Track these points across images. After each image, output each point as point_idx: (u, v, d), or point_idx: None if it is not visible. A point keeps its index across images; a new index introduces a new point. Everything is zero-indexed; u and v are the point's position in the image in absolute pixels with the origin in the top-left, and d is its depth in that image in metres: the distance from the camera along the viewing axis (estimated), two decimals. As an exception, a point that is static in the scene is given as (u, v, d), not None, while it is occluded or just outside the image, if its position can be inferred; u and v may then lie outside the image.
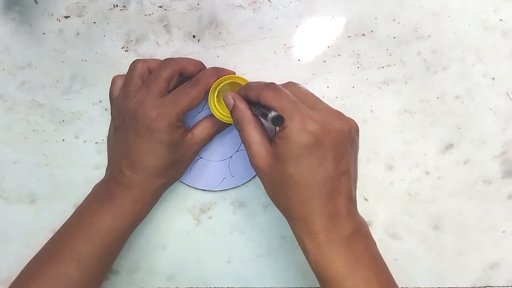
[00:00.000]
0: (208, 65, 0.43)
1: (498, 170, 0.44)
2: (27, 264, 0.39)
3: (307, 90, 0.37)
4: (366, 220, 0.37)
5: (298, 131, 0.32)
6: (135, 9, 0.43)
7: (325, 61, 0.43)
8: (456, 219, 0.44)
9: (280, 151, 0.33)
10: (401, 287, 0.44)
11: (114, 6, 0.43)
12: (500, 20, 0.43)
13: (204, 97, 0.39)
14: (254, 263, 0.45)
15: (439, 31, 0.43)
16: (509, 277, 0.45)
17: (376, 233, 0.44)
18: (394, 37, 0.43)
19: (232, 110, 0.36)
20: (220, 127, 0.42)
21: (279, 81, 0.43)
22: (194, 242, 0.45)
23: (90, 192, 0.40)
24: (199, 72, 0.40)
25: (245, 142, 0.35)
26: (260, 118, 0.36)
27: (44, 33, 0.44)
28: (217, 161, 0.43)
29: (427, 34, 0.43)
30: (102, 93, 0.44)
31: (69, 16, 0.43)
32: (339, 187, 0.33)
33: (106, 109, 0.44)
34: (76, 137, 0.44)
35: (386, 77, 0.44)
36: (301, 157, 0.32)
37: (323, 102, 0.36)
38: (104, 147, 0.44)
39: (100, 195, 0.39)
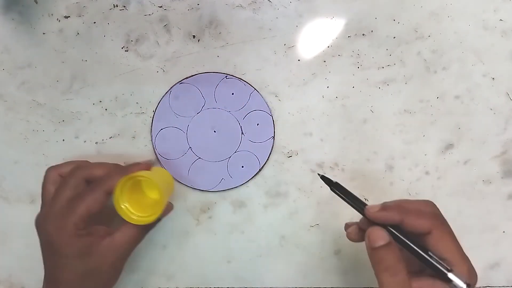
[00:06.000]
0: (208, 66, 0.43)
1: (498, 170, 0.44)
2: None
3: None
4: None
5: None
6: (135, 9, 0.43)
7: (325, 61, 0.43)
8: (456, 219, 0.44)
9: None
10: (401, 287, 0.44)
11: (114, 6, 0.43)
12: (500, 20, 0.43)
13: (109, 198, 0.35)
14: (254, 263, 0.45)
15: (439, 31, 0.43)
16: (509, 277, 0.45)
17: (376, 233, 0.44)
18: (394, 37, 0.43)
19: (380, 249, 0.30)
20: (147, 227, 0.37)
21: (279, 81, 0.43)
22: (194, 242, 0.45)
23: None
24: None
25: None
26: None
27: (44, 33, 0.44)
28: (216, 161, 0.43)
29: (427, 34, 0.43)
30: (102, 93, 0.44)
31: (69, 16, 0.43)
32: None
33: (106, 109, 0.44)
34: (76, 137, 0.44)
35: (386, 77, 0.44)
36: None
37: None
38: (104, 147, 0.44)
39: None
